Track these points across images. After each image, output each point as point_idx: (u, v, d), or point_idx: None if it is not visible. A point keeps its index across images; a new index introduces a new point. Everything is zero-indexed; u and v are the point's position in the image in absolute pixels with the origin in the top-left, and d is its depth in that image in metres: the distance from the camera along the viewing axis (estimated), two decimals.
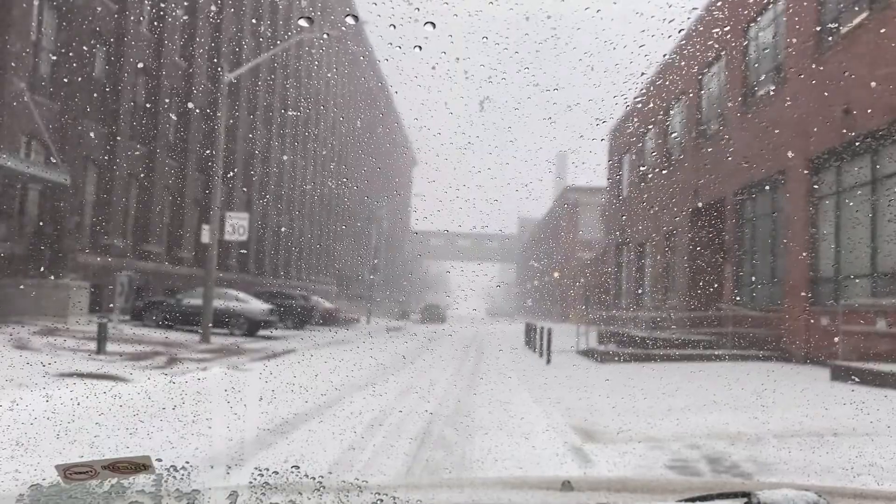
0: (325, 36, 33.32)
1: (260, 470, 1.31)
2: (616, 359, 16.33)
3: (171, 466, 1.26)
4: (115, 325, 17.32)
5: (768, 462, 5.97)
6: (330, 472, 5.09)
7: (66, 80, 20.57)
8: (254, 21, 34.62)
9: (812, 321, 14.78)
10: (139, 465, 1.19)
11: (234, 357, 14.25)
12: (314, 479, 1.34)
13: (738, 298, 19.22)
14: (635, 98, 28.16)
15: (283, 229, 39.49)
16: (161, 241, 27.06)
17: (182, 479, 1.24)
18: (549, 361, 16.44)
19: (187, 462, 1.29)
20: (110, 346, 12.66)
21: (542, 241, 66.25)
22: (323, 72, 44.24)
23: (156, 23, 26.01)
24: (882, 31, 13.02)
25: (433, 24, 5.01)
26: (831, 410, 8.44)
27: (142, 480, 1.20)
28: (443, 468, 5.80)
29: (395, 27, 5.56)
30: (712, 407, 8.87)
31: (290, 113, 39.72)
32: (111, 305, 19.75)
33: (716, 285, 20.43)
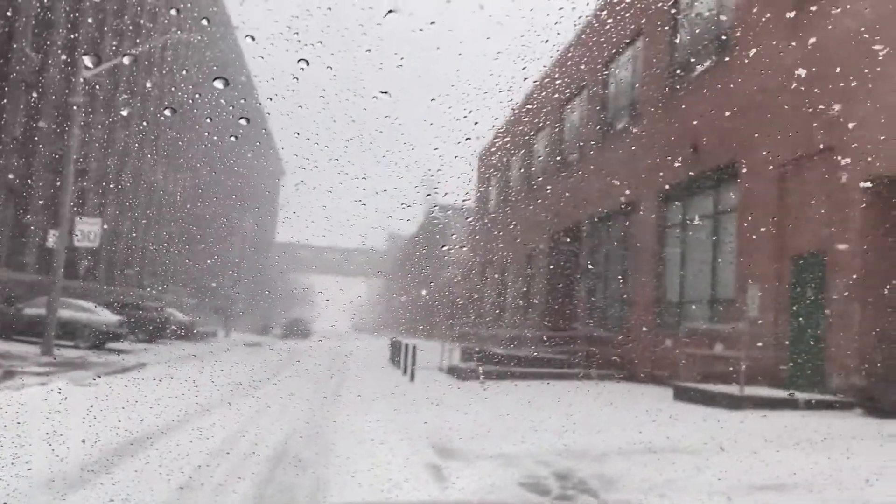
0: (196, 38, 32.26)
1: None
2: (477, 376, 16.64)
3: None
4: None
5: (613, 478, 6.28)
6: None
7: None
8: (118, 15, 32.88)
9: (657, 343, 15.71)
10: None
11: (79, 371, 13.37)
12: None
13: (591, 319, 20.13)
14: (502, 126, 29.03)
15: (137, 237, 37.55)
16: (1, 244, 24.99)
17: None
18: (412, 379, 16.51)
19: (4, 502, 1.21)
20: None
21: (411, 257, 66.57)
22: (189, 74, 42.62)
23: (5, 8, 24.13)
24: (726, 77, 14.16)
25: (247, 120, 5.39)
26: (673, 429, 9.00)
27: None
28: (298, 489, 5.70)
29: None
30: (564, 424, 9.22)
31: (150, 116, 37.92)
32: None
33: (571, 306, 21.32)
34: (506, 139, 30.28)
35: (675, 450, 7.55)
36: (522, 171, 29.00)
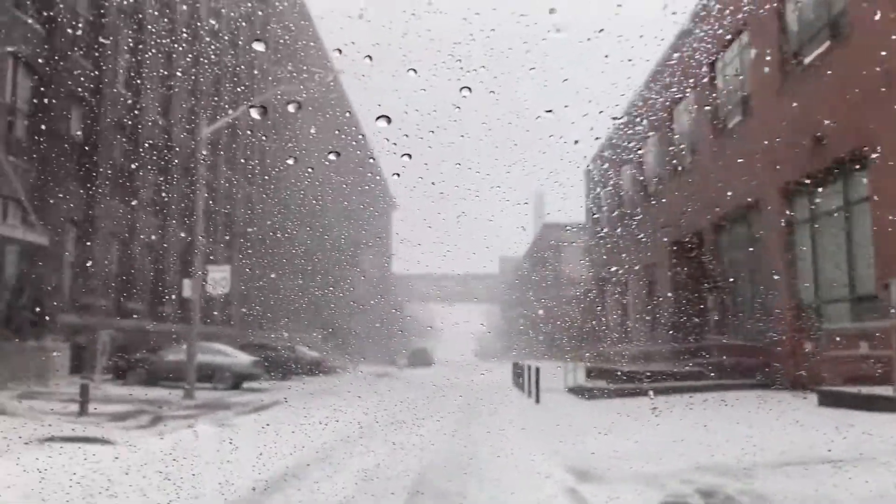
0: (303, 92, 33.82)
1: None
2: (604, 395, 16.27)
3: None
4: (97, 385, 17.05)
5: (761, 493, 5.96)
6: None
7: (42, 140, 20.55)
8: (232, 75, 34.90)
9: (796, 347, 14.86)
10: None
11: (220, 412, 14.06)
12: None
13: (722, 328, 19.30)
14: (609, 135, 28.60)
15: (265, 280, 39.30)
16: (143, 297, 26.82)
17: None
18: (538, 401, 16.35)
19: None
20: (93, 407, 12.46)
21: (525, 279, 66.29)
22: (302, 124, 44.50)
23: (132, 80, 26.15)
24: (843, 59, 13.38)
25: (409, 156, 5.53)
26: (820, 437, 8.45)
27: None
28: None
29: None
30: (704, 439, 8.85)
31: (269, 165, 39.86)
32: (93, 365, 19.47)
33: (700, 316, 20.53)
34: (613, 149, 29.79)
35: (825, 460, 7.08)
36: (633, 180, 28.41)
